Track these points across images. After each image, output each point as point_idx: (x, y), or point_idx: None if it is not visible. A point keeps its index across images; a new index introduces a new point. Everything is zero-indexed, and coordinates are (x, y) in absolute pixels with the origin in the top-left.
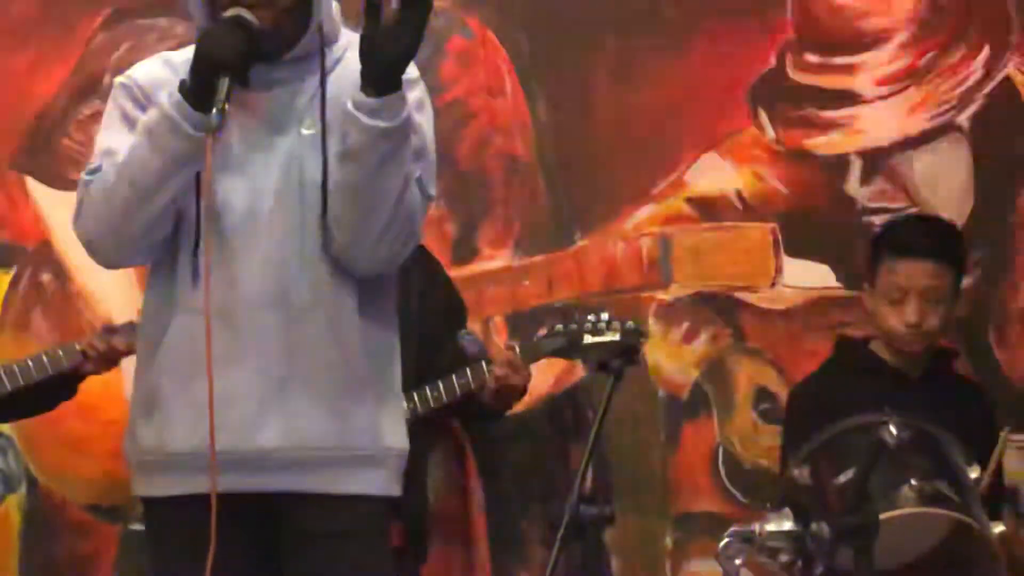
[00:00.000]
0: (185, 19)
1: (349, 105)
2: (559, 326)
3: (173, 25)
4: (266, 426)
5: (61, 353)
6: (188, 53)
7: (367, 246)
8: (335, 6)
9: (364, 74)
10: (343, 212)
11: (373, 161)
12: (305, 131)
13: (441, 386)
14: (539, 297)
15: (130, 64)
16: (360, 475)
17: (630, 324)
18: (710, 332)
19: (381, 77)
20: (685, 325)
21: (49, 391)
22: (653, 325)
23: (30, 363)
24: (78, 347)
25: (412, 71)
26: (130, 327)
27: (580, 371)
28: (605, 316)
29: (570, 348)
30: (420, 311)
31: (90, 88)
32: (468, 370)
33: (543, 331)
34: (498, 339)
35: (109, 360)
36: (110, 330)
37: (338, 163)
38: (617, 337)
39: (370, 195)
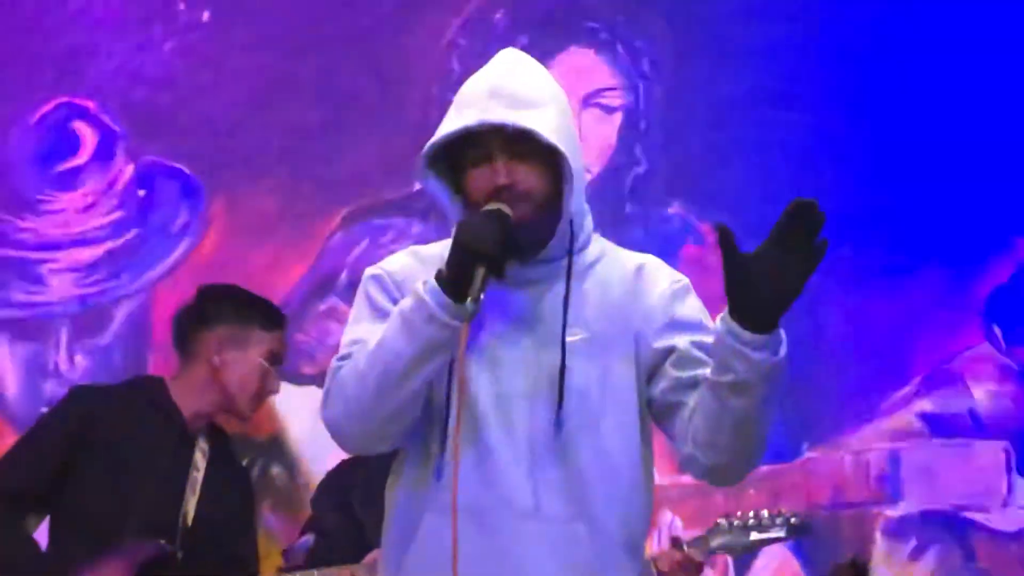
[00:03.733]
0: (421, 219)
1: (728, 338)
2: (722, 521)
3: (409, 225)
4: None
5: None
6: (437, 247)
7: (741, 468)
8: (588, 214)
9: (738, 307)
10: (727, 439)
11: (762, 394)
12: (570, 338)
13: None
14: (764, 508)
15: (368, 263)
16: None
17: (795, 520)
18: (938, 551)
19: (760, 314)
20: (912, 543)
21: None
22: (880, 542)
23: None
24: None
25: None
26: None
27: None
28: (766, 512)
29: (735, 544)
30: None
31: (326, 285)
32: None
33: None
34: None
35: None
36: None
37: (731, 394)
38: (782, 534)
39: (758, 424)
